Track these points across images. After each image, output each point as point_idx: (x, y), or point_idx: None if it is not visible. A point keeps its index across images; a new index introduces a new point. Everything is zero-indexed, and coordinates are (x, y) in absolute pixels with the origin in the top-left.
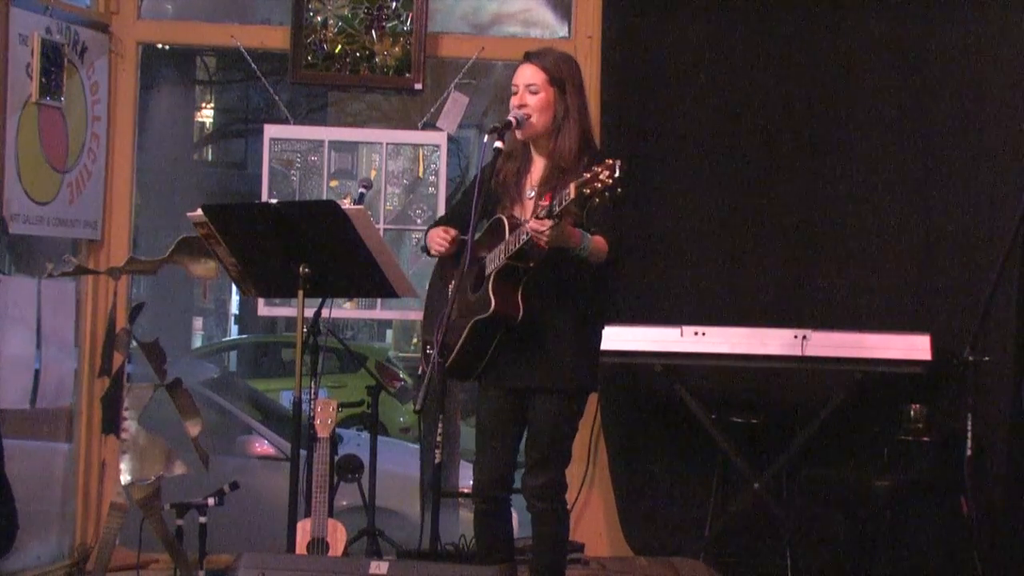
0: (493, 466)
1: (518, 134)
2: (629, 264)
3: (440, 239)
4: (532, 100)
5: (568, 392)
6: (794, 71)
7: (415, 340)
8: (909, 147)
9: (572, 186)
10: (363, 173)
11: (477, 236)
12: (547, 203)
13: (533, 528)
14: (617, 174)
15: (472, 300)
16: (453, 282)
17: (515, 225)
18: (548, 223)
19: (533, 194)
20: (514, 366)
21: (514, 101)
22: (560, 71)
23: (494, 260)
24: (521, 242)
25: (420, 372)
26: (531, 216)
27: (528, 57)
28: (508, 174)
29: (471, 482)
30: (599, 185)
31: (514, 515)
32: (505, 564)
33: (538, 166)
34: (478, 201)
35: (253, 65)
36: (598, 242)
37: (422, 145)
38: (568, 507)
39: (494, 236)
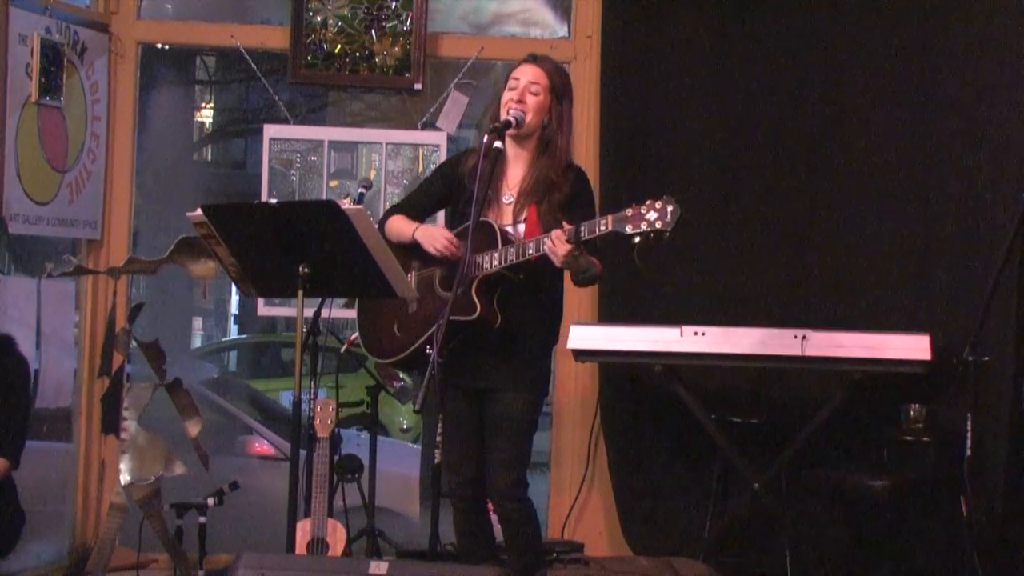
0: (465, 468)
1: (512, 132)
2: (628, 264)
3: (448, 246)
4: (531, 100)
5: (530, 390)
6: (794, 71)
7: None
8: (909, 147)
9: (609, 219)
10: (363, 173)
11: (455, 231)
12: (570, 226)
13: (505, 531)
14: (670, 219)
15: (446, 299)
16: (414, 272)
17: (508, 236)
18: (568, 247)
19: (511, 199)
20: (476, 367)
21: (512, 95)
22: (561, 82)
23: (484, 265)
24: (528, 256)
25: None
26: (512, 221)
27: (534, 59)
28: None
29: None
30: (644, 226)
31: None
32: (497, 565)
33: (515, 170)
34: (478, 205)
35: (253, 65)
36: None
37: (422, 145)
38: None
39: (479, 239)
